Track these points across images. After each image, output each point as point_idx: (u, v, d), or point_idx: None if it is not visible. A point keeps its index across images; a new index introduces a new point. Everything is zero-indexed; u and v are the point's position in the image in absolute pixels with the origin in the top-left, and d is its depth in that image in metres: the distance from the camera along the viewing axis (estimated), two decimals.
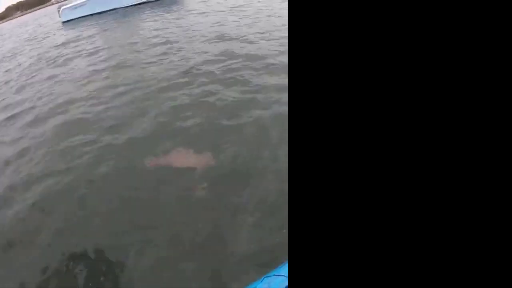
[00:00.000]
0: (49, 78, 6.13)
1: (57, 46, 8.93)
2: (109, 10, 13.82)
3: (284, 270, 0.98)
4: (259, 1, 9.79)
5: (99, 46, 7.76)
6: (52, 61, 7.43)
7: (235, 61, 5.03)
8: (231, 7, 9.54)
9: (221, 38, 6.37)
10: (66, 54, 7.70)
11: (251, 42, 5.92)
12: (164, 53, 5.98)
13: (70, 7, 14.14)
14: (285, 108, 3.17)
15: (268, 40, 5.91)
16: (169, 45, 6.44)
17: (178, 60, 5.42)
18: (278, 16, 7.54)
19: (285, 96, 3.60)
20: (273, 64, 4.71)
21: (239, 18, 8.00)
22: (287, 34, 0.51)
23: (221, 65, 4.92)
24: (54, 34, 11.54)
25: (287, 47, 0.52)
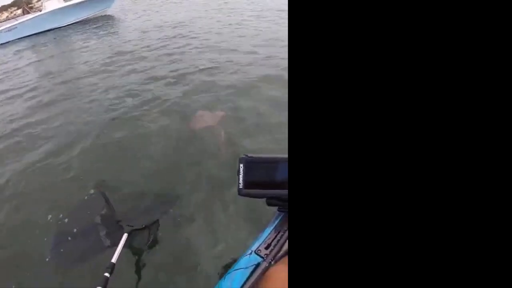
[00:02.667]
0: None
1: None
2: (45, 31, 13.14)
3: (242, 263, 0.99)
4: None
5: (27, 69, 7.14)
6: None
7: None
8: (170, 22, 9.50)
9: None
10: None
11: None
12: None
13: (1, 30, 13.57)
14: None
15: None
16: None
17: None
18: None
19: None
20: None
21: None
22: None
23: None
24: None
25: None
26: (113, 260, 1.56)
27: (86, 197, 2.52)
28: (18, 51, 10.11)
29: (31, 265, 2.00)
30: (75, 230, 2.21)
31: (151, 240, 2.08)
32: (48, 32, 12.59)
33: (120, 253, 1.67)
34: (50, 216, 2.32)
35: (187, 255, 2.00)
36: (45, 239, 2.17)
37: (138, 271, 1.88)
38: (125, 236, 1.84)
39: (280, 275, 0.79)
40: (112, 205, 2.34)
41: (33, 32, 13.22)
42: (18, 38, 13.08)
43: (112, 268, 1.46)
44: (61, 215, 2.32)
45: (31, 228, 2.26)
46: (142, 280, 1.83)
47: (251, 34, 7.47)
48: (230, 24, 8.76)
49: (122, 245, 1.74)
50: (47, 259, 2.02)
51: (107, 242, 2.05)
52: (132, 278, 1.82)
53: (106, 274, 1.39)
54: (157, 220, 2.27)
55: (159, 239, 2.13)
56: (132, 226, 2.03)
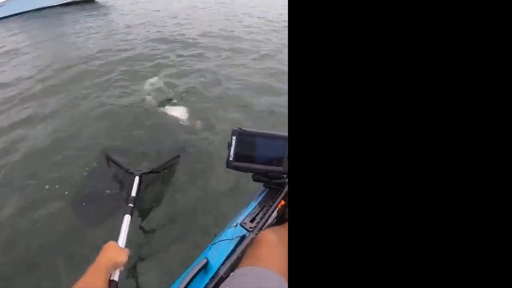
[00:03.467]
0: None
1: None
2: (33, 10, 12.16)
3: (228, 234, 1.03)
4: None
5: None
6: None
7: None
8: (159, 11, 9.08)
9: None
10: None
11: None
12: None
13: None
14: None
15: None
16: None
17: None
18: None
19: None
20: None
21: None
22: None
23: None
24: None
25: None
26: (133, 194, 1.75)
27: (95, 164, 2.59)
28: (7, 29, 9.45)
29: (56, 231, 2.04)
30: (93, 190, 2.33)
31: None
32: (38, 11, 11.75)
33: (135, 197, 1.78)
34: (66, 190, 2.35)
35: (174, 225, 2.06)
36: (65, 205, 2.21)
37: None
38: (137, 178, 1.98)
39: (266, 238, 0.83)
40: (119, 162, 2.45)
41: (22, 10, 12.33)
42: (5, 16, 12.22)
43: (134, 200, 1.62)
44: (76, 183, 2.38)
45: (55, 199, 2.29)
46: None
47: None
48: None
49: (136, 186, 1.89)
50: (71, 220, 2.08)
51: (123, 192, 2.21)
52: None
53: (131, 205, 1.56)
54: (166, 162, 2.45)
55: (147, 208, 2.19)
56: (141, 170, 2.18)
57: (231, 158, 1.05)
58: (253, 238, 0.91)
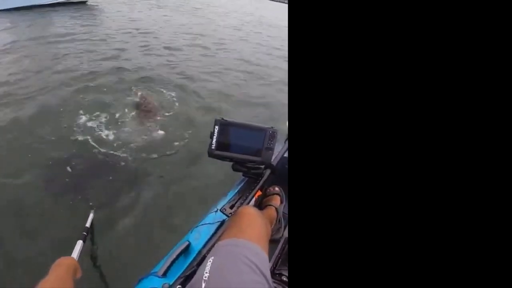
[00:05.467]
0: None
1: None
2: (23, 7, 11.14)
3: (209, 219, 1.07)
4: None
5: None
6: None
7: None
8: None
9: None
10: None
11: None
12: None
13: None
14: None
15: None
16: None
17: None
18: None
19: None
20: None
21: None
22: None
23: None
24: None
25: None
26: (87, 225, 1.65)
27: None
28: None
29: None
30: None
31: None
32: (26, 10, 10.85)
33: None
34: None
35: (156, 211, 2.07)
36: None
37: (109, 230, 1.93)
38: (91, 215, 1.83)
39: (247, 211, 0.87)
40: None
41: (12, 6, 11.37)
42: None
43: (85, 237, 1.49)
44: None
45: None
46: (112, 235, 1.88)
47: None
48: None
49: (91, 221, 1.76)
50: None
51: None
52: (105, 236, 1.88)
53: (84, 233, 1.49)
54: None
55: (131, 197, 2.17)
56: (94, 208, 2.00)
57: (213, 147, 1.08)
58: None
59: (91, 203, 2.04)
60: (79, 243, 1.36)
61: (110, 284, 1.62)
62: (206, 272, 0.62)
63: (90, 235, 1.72)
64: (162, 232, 1.90)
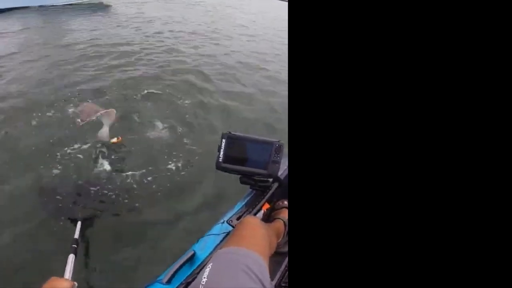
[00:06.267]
0: None
1: None
2: (36, 6, 12.10)
3: (215, 230, 1.10)
4: None
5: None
6: None
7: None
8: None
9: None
10: None
11: None
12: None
13: None
14: None
15: None
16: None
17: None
18: None
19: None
20: None
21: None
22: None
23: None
24: None
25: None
26: (76, 236, 1.57)
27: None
28: (5, 19, 9.38)
29: None
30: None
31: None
32: (39, 9, 11.66)
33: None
34: None
35: (162, 222, 2.11)
36: None
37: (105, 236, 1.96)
38: (79, 224, 1.80)
39: (250, 220, 0.88)
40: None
41: (24, 5, 12.20)
42: (6, 8, 12.05)
43: (75, 248, 1.43)
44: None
45: None
46: (116, 243, 1.92)
47: None
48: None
49: (79, 232, 1.71)
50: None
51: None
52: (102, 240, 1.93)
53: (74, 245, 1.43)
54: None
55: (135, 206, 2.22)
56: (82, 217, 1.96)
57: (220, 160, 1.12)
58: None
59: (79, 214, 2.00)
60: (71, 258, 1.27)
61: None
62: (204, 277, 0.64)
63: (81, 246, 1.68)
64: (170, 242, 1.93)
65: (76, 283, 0.88)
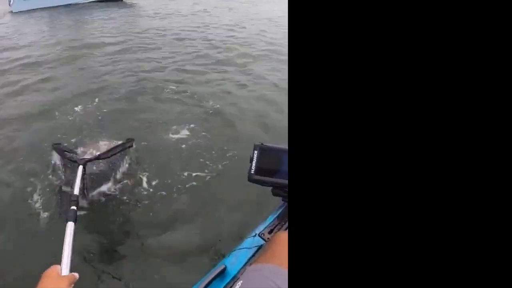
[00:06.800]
0: None
1: None
2: (64, 5, 13.24)
3: (247, 243, 1.07)
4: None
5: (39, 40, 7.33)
6: None
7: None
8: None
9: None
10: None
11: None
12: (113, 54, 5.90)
13: None
14: None
15: None
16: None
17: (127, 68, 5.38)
18: None
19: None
20: None
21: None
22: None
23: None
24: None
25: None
26: (75, 192, 1.47)
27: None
28: (33, 20, 10.34)
29: None
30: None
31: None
32: (64, 7, 12.66)
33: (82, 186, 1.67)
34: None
35: (192, 234, 2.13)
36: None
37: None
38: (80, 168, 1.81)
39: (282, 236, 0.84)
40: (66, 152, 2.30)
41: (51, 5, 13.18)
42: (34, 9, 13.11)
43: (77, 200, 1.32)
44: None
45: None
46: (143, 256, 1.98)
47: None
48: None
49: (80, 176, 1.71)
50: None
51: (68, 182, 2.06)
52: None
53: (73, 207, 1.22)
54: (118, 146, 2.33)
55: (163, 219, 2.26)
56: (84, 158, 1.99)
57: (252, 172, 1.10)
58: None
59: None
60: (69, 228, 1.04)
61: None
62: None
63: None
64: (200, 255, 1.94)
65: (77, 275, 0.80)
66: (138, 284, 1.77)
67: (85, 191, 1.92)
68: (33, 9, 13.01)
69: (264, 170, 1.10)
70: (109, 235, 2.12)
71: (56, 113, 3.65)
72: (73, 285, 0.77)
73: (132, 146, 2.46)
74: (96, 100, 3.98)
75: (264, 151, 1.09)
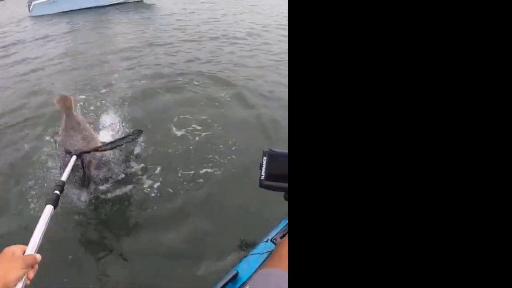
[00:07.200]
0: None
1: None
2: (82, 9, 13.54)
3: (259, 249, 1.07)
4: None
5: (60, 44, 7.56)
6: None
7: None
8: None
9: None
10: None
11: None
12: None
13: (42, 2, 13.64)
14: None
15: None
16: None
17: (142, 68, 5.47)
18: None
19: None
20: None
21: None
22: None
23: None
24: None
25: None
26: (63, 178, 1.48)
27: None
28: (53, 23, 10.63)
29: None
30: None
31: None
32: (85, 11, 12.87)
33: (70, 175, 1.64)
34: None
35: (206, 239, 2.12)
36: None
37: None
38: (73, 158, 1.85)
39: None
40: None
41: (71, 8, 13.40)
42: (55, 13, 13.40)
43: (62, 185, 1.32)
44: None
45: None
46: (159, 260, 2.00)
47: None
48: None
49: (71, 165, 1.73)
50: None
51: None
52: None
53: (57, 192, 1.22)
54: (123, 138, 2.37)
55: (168, 222, 2.25)
56: (81, 149, 2.05)
57: (262, 178, 1.09)
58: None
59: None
60: (47, 210, 0.96)
61: None
62: None
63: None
64: (213, 261, 1.93)
65: (38, 256, 0.73)
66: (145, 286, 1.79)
67: (85, 182, 1.97)
68: (53, 14, 13.32)
69: (274, 176, 1.09)
70: (114, 233, 2.16)
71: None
72: (34, 267, 0.71)
73: (136, 139, 2.47)
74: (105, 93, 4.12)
75: (273, 156, 1.08)
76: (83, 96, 4.28)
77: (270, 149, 1.10)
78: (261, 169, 1.09)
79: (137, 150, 2.89)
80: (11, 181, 2.71)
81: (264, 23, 8.57)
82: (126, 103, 3.94)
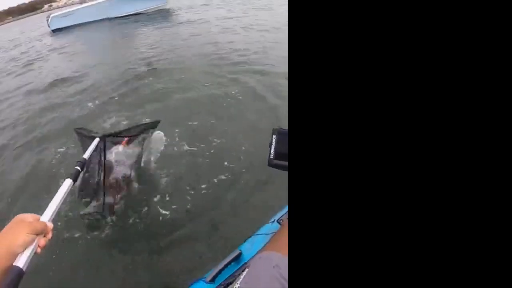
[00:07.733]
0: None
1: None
2: (99, 20, 14.03)
3: (264, 229, 1.03)
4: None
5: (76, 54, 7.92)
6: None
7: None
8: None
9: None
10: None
11: None
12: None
13: (58, 15, 14.25)
14: None
15: None
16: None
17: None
18: None
19: None
20: None
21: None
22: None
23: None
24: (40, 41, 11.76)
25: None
26: (85, 156, 1.51)
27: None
28: (74, 36, 11.00)
29: None
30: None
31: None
32: (104, 21, 13.22)
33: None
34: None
35: (212, 221, 2.12)
36: None
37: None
38: (96, 140, 1.90)
39: None
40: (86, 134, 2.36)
41: (90, 20, 13.84)
42: (74, 25, 13.87)
43: (83, 162, 1.34)
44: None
45: None
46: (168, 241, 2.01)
47: None
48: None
49: (94, 146, 1.79)
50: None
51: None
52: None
53: (77, 167, 1.22)
54: (140, 125, 2.43)
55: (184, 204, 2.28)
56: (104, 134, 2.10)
57: (271, 156, 1.07)
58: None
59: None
60: (66, 184, 0.93)
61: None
62: (237, 284, 0.59)
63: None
64: (220, 240, 1.93)
65: (50, 225, 0.71)
66: (153, 272, 1.80)
67: (103, 166, 2.04)
68: (73, 25, 13.78)
69: (283, 155, 1.06)
70: (128, 225, 2.19)
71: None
72: (46, 235, 0.69)
73: (155, 127, 2.54)
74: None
75: (282, 135, 1.06)
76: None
77: (280, 128, 1.07)
78: (270, 147, 1.07)
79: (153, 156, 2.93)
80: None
81: None
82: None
